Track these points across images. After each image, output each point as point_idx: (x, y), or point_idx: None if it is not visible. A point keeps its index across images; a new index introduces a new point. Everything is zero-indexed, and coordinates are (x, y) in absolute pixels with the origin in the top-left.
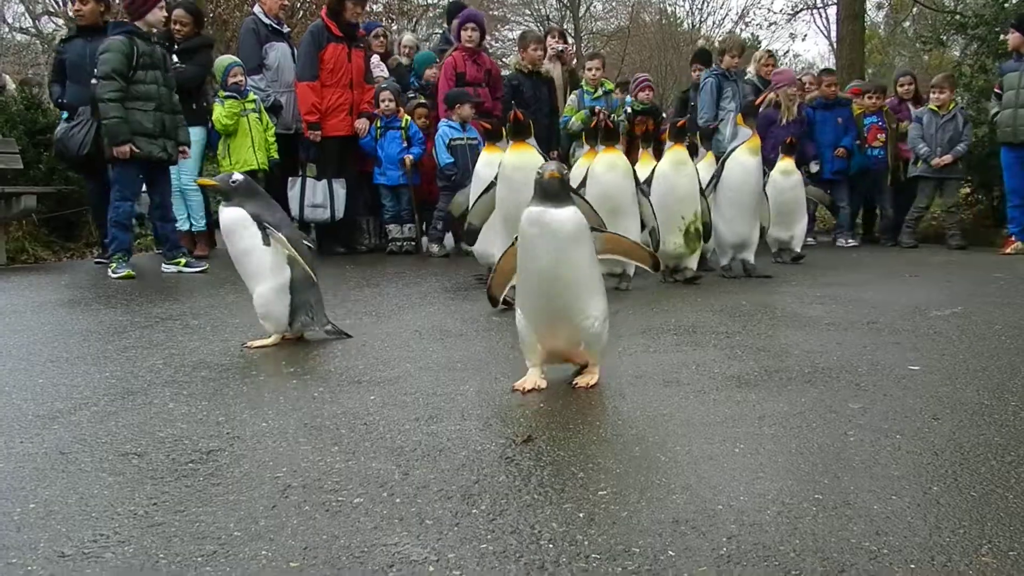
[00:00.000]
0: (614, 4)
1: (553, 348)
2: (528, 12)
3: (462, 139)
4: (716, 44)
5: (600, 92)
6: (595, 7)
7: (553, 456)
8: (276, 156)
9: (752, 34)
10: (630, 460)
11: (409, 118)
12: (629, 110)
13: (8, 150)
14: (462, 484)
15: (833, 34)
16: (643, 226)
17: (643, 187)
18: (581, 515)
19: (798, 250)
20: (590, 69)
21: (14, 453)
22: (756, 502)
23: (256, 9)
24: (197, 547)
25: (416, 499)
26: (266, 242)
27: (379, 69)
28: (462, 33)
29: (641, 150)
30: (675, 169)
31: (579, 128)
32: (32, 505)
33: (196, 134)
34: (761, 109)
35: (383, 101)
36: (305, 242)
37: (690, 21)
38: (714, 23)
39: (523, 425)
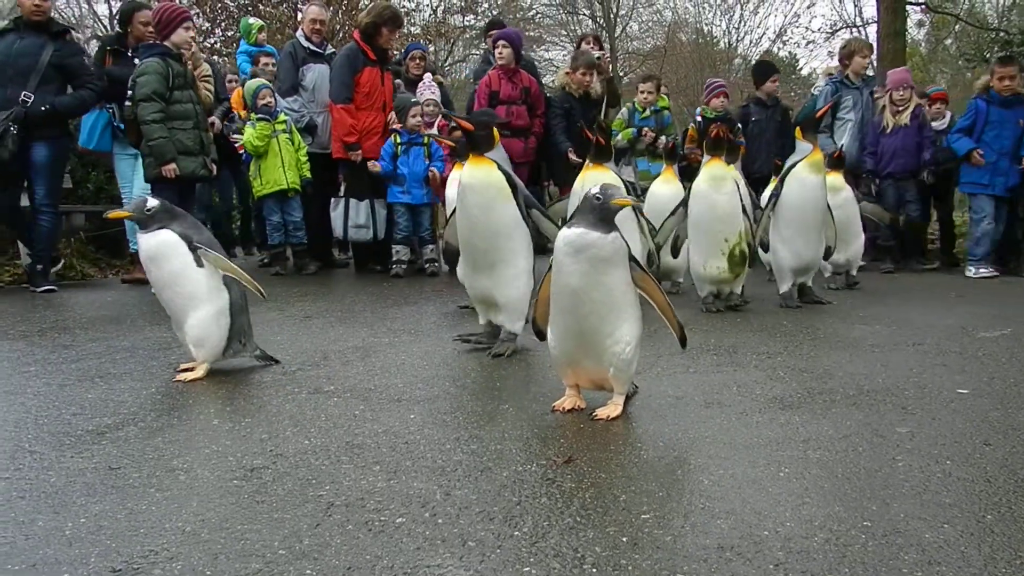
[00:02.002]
0: (650, 24)
1: (582, 371)
2: (564, 32)
3: None
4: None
5: (649, 112)
6: (631, 27)
7: (594, 478)
8: (308, 175)
9: (790, 52)
10: (672, 483)
11: (428, 135)
12: (700, 118)
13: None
14: (504, 505)
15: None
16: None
17: (639, 205)
18: (624, 539)
19: (854, 273)
20: (642, 92)
21: (65, 468)
22: (803, 528)
23: (298, 33)
24: (243, 565)
25: (458, 520)
26: (199, 263)
27: (431, 91)
28: (495, 51)
29: (708, 159)
30: (713, 186)
31: (624, 146)
32: (83, 520)
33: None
34: (874, 116)
35: (412, 116)
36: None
37: (726, 40)
38: (751, 42)
39: (563, 446)
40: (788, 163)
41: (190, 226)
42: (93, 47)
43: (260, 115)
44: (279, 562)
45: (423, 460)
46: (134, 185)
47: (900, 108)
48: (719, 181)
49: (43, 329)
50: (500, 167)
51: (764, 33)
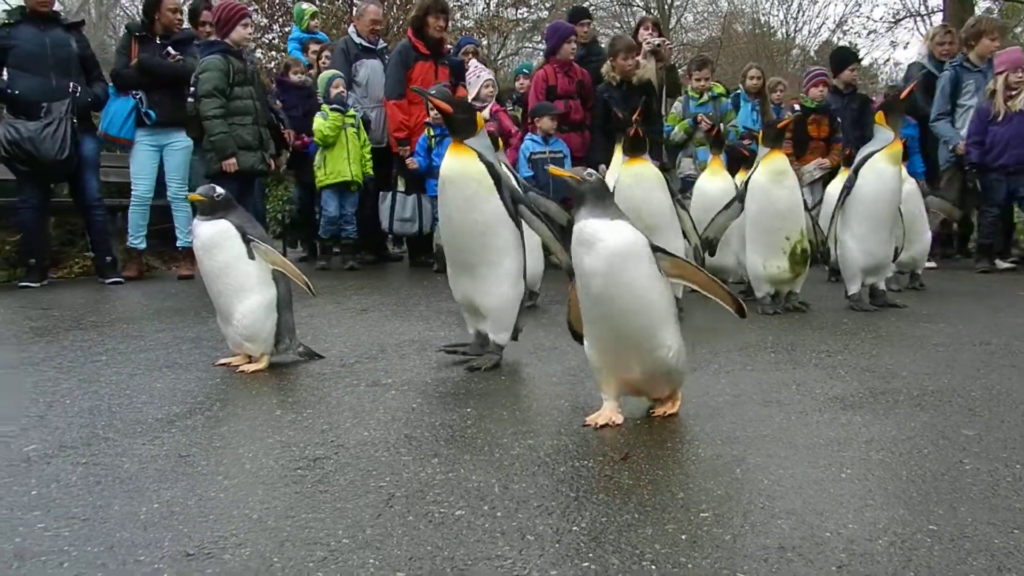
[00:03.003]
0: (705, 15)
1: (626, 380)
2: (618, 24)
3: (544, 152)
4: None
5: (707, 97)
6: (686, 18)
7: (652, 475)
8: (371, 172)
9: (850, 42)
10: (731, 482)
11: None
12: (797, 107)
13: (122, 165)
14: (562, 500)
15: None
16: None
17: (680, 197)
18: (683, 537)
19: (919, 272)
20: (698, 79)
21: (137, 454)
22: (867, 531)
23: (351, 29)
24: (308, 552)
25: (517, 513)
26: (251, 255)
27: (485, 72)
28: (565, 47)
29: (768, 151)
30: (774, 180)
31: (682, 139)
32: (156, 505)
33: (185, 138)
34: (982, 101)
35: (435, 109)
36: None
37: (784, 31)
38: (809, 32)
39: (620, 442)
40: (863, 152)
41: (246, 220)
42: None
43: (333, 105)
44: (343, 551)
45: (481, 454)
46: (150, 178)
47: (1014, 93)
48: (780, 175)
49: (112, 320)
50: (482, 156)
51: (823, 23)
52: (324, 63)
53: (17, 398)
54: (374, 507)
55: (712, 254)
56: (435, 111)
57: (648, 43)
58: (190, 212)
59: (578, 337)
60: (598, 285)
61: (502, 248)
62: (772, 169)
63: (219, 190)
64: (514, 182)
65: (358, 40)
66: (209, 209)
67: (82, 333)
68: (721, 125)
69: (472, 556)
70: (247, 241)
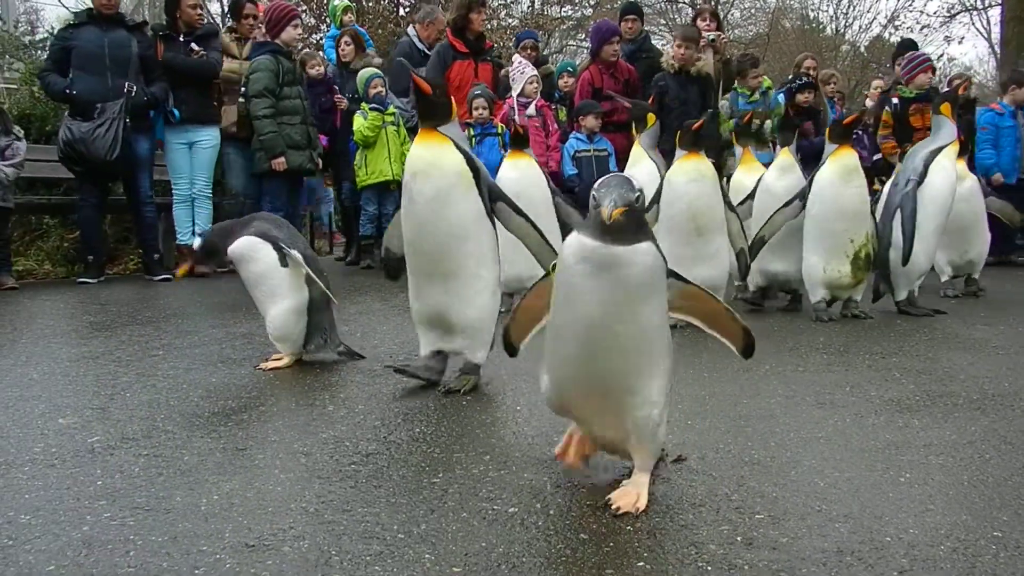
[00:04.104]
0: (752, 11)
1: (589, 429)
2: (663, 22)
3: (588, 151)
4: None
5: (757, 95)
6: (733, 15)
7: (705, 477)
8: None
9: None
10: (786, 484)
11: (504, 125)
12: (895, 100)
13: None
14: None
15: (995, 36)
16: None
17: (730, 199)
18: (739, 538)
19: (976, 276)
20: (755, 76)
21: (196, 447)
22: (928, 536)
23: (410, 31)
24: (365, 546)
25: (570, 512)
26: (283, 263)
27: (529, 67)
28: (607, 47)
29: (836, 148)
30: (843, 178)
31: (728, 138)
32: (216, 497)
33: (212, 136)
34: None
35: (476, 109)
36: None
37: (833, 26)
38: (860, 28)
39: (671, 442)
40: (925, 148)
41: (272, 226)
42: None
43: (372, 105)
44: (399, 545)
45: (532, 451)
46: (190, 177)
47: None
48: (849, 173)
49: (167, 315)
50: (459, 145)
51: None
52: (343, 53)
53: (80, 391)
54: (428, 503)
55: (751, 258)
56: (476, 110)
57: (704, 36)
58: (211, 210)
59: (511, 350)
60: (598, 317)
61: (480, 254)
62: (841, 167)
63: (198, 241)
64: (491, 178)
65: (419, 45)
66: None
67: (139, 328)
68: (769, 121)
69: (527, 553)
70: (278, 249)
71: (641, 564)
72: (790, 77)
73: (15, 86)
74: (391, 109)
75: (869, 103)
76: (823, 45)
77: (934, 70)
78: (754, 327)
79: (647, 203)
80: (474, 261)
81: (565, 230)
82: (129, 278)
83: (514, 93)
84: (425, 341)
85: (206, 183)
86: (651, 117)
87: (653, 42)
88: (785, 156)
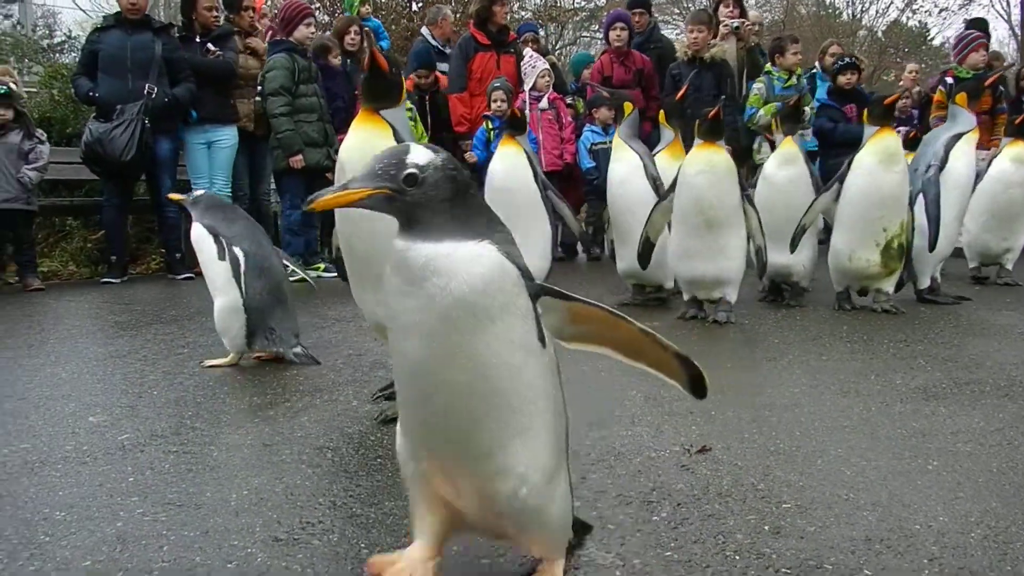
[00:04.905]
0: None
1: (455, 506)
2: (676, 11)
3: (604, 142)
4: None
5: (794, 79)
6: (747, 1)
7: (730, 466)
8: None
9: (920, 22)
10: (812, 473)
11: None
12: (950, 79)
13: None
14: (640, 490)
15: (1015, 18)
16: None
17: (749, 192)
18: (766, 527)
19: (1010, 267)
20: (795, 53)
21: (224, 443)
22: (958, 523)
23: (424, 32)
24: (394, 539)
25: (596, 503)
26: (221, 256)
27: (541, 61)
28: (611, 34)
29: (877, 130)
30: (883, 162)
31: (767, 122)
32: (245, 492)
33: (230, 135)
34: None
35: (495, 101)
36: (284, 260)
37: (850, 12)
38: (877, 12)
39: (695, 433)
40: (943, 135)
41: (222, 219)
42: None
43: None
44: None
45: None
46: (209, 177)
47: None
48: (891, 157)
49: (190, 314)
50: (397, 134)
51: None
52: (350, 43)
53: (108, 389)
54: None
55: (792, 249)
56: (495, 103)
57: (726, 24)
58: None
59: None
60: (418, 356)
61: None
62: (882, 150)
63: (196, 193)
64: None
65: (433, 42)
66: (192, 210)
67: (163, 327)
68: (808, 108)
69: None
70: (217, 242)
71: (669, 554)
72: (812, 68)
73: (35, 89)
74: (408, 104)
75: (903, 85)
76: (839, 31)
77: (987, 48)
78: (773, 317)
79: (665, 192)
80: None
81: (557, 225)
82: (151, 277)
83: (526, 87)
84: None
85: (225, 182)
86: (628, 106)
87: (669, 33)
88: (788, 146)
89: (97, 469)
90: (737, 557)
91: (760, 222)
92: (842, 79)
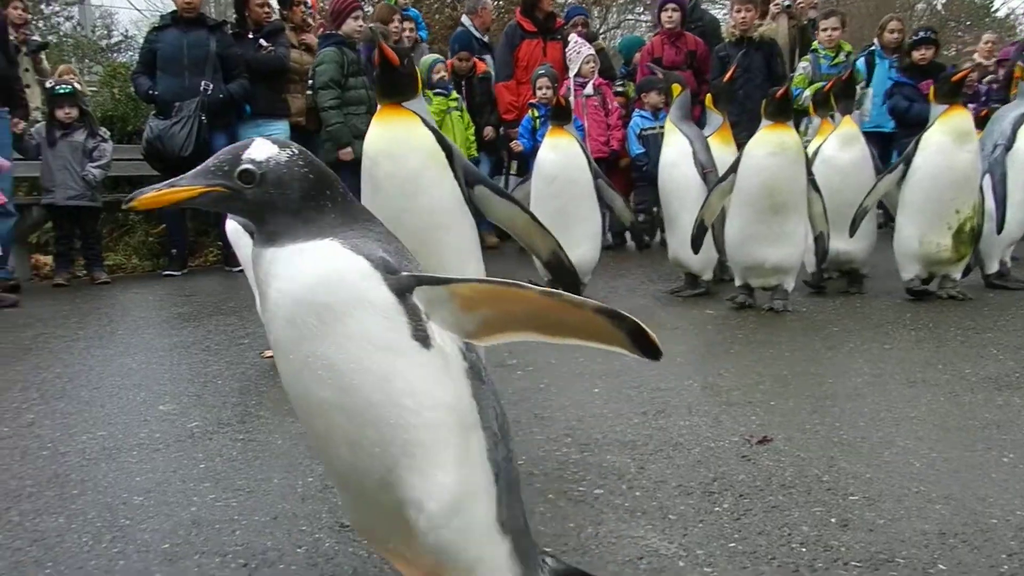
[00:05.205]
0: None
1: (372, 533)
2: None
3: (653, 128)
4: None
5: (841, 56)
6: None
7: (793, 457)
8: (476, 154)
9: None
10: (880, 465)
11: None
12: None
13: None
14: (701, 481)
15: None
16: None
17: (813, 178)
18: (833, 520)
19: None
20: (824, 29)
21: (288, 431)
22: None
23: (465, 20)
24: None
25: (656, 493)
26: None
27: (586, 47)
28: (662, 15)
29: (947, 108)
30: (956, 141)
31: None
32: (310, 479)
33: (281, 129)
34: None
35: (540, 89)
36: None
37: None
38: None
39: (754, 423)
40: (1012, 112)
41: None
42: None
43: (436, 90)
44: None
45: (612, 433)
46: None
47: None
48: (963, 136)
49: (249, 305)
50: (425, 121)
51: None
52: (407, 37)
53: (176, 379)
54: None
55: (852, 232)
56: (540, 90)
57: (777, 3)
58: None
59: None
60: (282, 368)
61: (464, 246)
62: (953, 128)
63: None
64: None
65: (476, 33)
66: None
67: (224, 318)
68: (858, 87)
69: (615, 534)
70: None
71: (732, 545)
72: (871, 45)
73: (95, 88)
74: (453, 94)
75: (978, 58)
76: (896, 5)
77: None
78: (832, 305)
79: (725, 173)
80: (457, 255)
81: (606, 214)
82: (210, 270)
83: (571, 74)
84: None
85: None
86: (676, 88)
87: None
88: (848, 126)
89: (170, 456)
90: (804, 549)
91: (824, 208)
92: (916, 54)
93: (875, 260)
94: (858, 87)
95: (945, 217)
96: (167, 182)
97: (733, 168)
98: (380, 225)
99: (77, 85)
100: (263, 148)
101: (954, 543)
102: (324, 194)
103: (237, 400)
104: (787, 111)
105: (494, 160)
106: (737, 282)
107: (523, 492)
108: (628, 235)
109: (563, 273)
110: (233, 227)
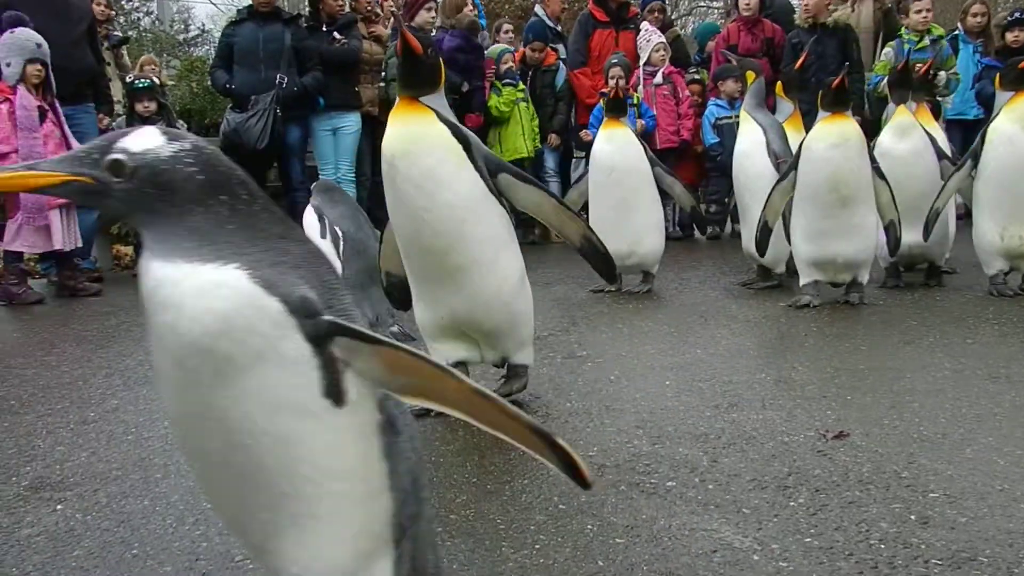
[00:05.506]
0: None
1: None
2: None
3: (729, 117)
4: None
5: (927, 41)
6: None
7: (870, 453)
8: (540, 146)
9: None
10: (961, 462)
11: (638, 95)
12: None
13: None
14: (775, 475)
15: None
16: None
17: (878, 166)
18: (912, 517)
19: None
20: (919, 11)
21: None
22: None
23: (538, 10)
24: (528, 516)
25: (729, 487)
26: (323, 235)
27: (656, 35)
28: (740, 2)
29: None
30: None
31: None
32: None
33: (354, 121)
34: None
35: (613, 78)
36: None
37: None
38: None
39: (830, 418)
40: None
41: (328, 201)
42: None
43: (505, 81)
44: (561, 516)
45: (684, 426)
46: (334, 162)
47: None
48: None
49: None
50: (442, 115)
51: None
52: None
53: None
54: None
55: (926, 237)
56: (613, 79)
57: None
58: (355, 193)
59: None
60: (166, 399)
61: (496, 235)
62: (1020, 115)
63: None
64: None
65: (549, 22)
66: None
67: None
68: (943, 72)
69: (688, 527)
70: (321, 222)
71: (808, 540)
72: (955, 29)
73: (173, 82)
74: (521, 85)
75: None
76: None
77: None
78: (911, 298)
79: (785, 170)
80: (490, 247)
81: (666, 201)
82: None
83: (641, 63)
84: (441, 356)
85: (349, 167)
86: (750, 75)
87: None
88: (903, 115)
89: None
90: (882, 546)
91: (893, 195)
92: (1010, 36)
93: (955, 252)
94: (945, 72)
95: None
96: (25, 163)
97: (793, 165)
98: (301, 242)
99: (156, 78)
100: (143, 137)
101: None
102: (219, 200)
103: None
104: (844, 101)
105: (560, 152)
106: (803, 280)
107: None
108: (694, 224)
109: (596, 257)
110: (308, 212)
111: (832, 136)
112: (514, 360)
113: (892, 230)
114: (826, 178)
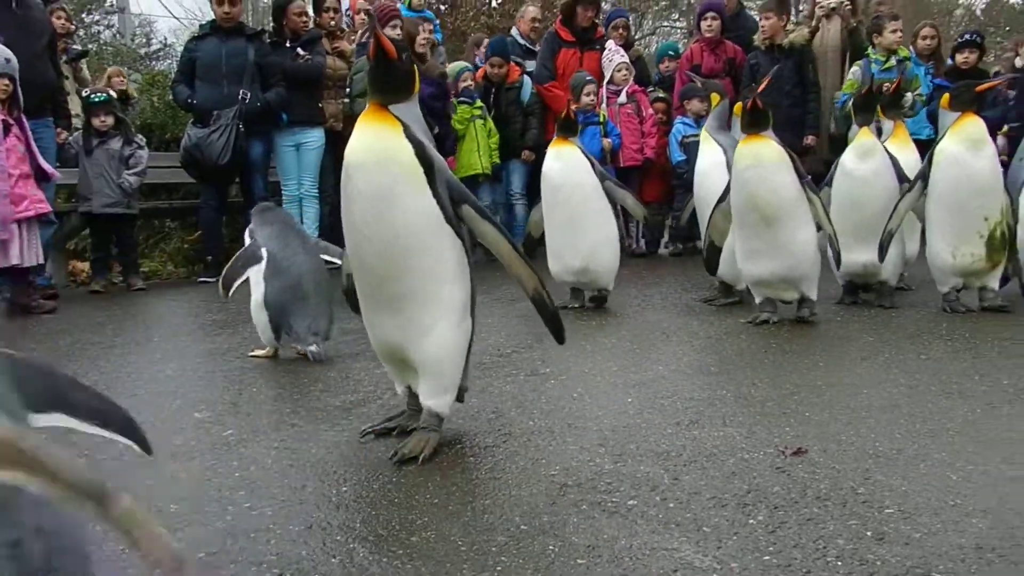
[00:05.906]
0: None
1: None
2: None
3: (696, 135)
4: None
5: (893, 61)
6: None
7: (828, 469)
8: (499, 162)
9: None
10: (916, 478)
11: (603, 113)
12: None
13: None
14: (735, 492)
15: None
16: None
17: (809, 181)
18: (868, 533)
19: None
20: (894, 31)
21: (323, 440)
22: None
23: (513, 30)
24: (490, 537)
25: (690, 505)
26: (252, 257)
27: (619, 55)
28: (702, 23)
29: (959, 116)
30: (970, 148)
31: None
32: (344, 488)
33: (317, 137)
34: None
35: (586, 95)
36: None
37: None
38: None
39: (788, 434)
40: None
41: (260, 223)
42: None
43: (461, 99)
44: (522, 537)
45: (646, 444)
46: (297, 178)
47: None
48: (977, 143)
49: None
50: (409, 131)
51: None
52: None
53: (210, 386)
54: (547, 495)
55: (881, 258)
56: (588, 96)
57: (822, 5)
58: (318, 209)
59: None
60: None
61: (442, 270)
62: (966, 136)
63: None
64: (451, 174)
65: (520, 40)
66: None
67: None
68: (909, 94)
69: (649, 546)
70: (252, 238)
71: (767, 559)
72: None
73: (135, 96)
74: (478, 103)
75: (1020, 62)
76: (934, 11)
77: None
78: (867, 315)
79: (723, 191)
80: (432, 281)
81: (618, 213)
82: None
83: (605, 81)
84: (396, 379)
85: (312, 183)
86: (715, 97)
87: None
88: (865, 136)
89: (205, 464)
90: (839, 563)
91: (825, 209)
92: (960, 58)
93: (911, 270)
94: (911, 94)
95: (975, 226)
96: None
97: (728, 186)
98: None
99: (125, 90)
100: None
101: (991, 558)
102: None
103: (272, 408)
104: (761, 121)
105: (530, 170)
106: (757, 299)
107: (555, 503)
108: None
109: (546, 314)
110: (246, 235)
111: (747, 158)
112: (427, 403)
113: (831, 243)
114: (745, 199)
